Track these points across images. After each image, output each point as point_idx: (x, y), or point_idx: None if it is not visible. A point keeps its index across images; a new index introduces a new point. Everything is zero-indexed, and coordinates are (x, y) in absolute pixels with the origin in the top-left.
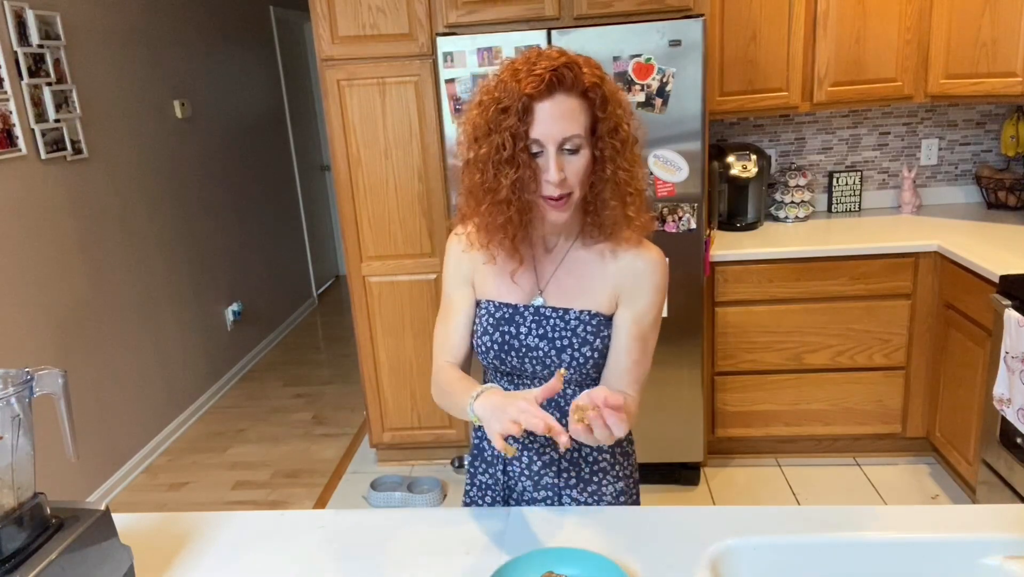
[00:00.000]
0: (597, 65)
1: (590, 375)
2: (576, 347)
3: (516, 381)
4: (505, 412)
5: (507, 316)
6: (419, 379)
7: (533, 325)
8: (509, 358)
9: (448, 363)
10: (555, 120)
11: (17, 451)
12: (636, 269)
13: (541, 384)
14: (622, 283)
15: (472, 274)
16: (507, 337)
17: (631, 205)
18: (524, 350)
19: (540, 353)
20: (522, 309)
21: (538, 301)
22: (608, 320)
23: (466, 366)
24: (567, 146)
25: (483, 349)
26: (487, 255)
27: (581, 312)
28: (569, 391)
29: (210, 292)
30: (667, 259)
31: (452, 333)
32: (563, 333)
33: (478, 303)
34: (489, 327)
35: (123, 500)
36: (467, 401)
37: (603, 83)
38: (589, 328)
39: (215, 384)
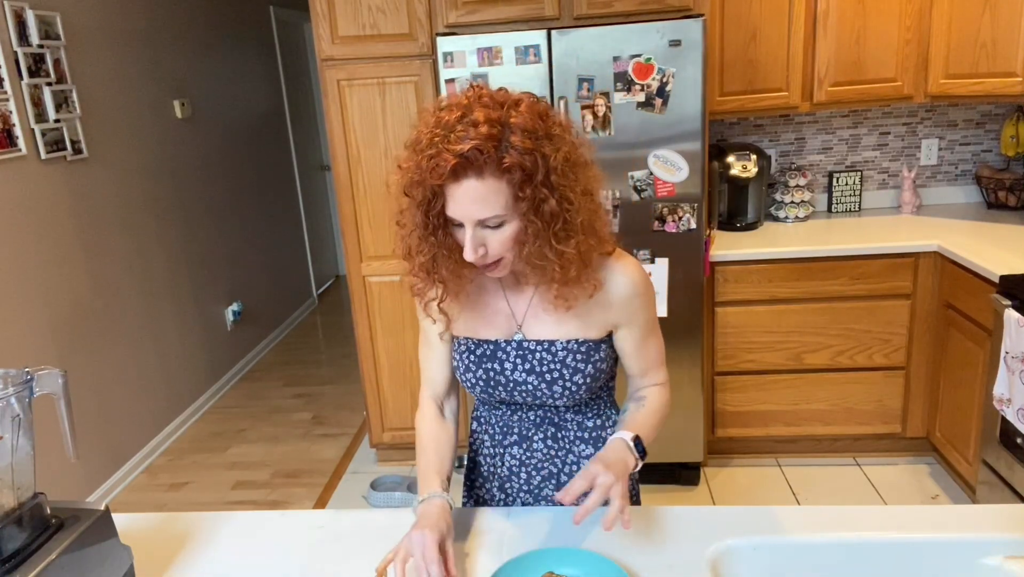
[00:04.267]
0: (532, 127)
1: (584, 399)
2: (568, 377)
3: (511, 406)
4: (417, 531)
5: (488, 353)
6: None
7: (518, 360)
8: (497, 392)
9: (430, 406)
10: (468, 203)
11: (17, 451)
12: (621, 297)
13: (535, 413)
14: (610, 313)
15: (445, 307)
16: (492, 374)
17: (556, 283)
18: (511, 385)
19: (529, 387)
20: (503, 344)
21: (518, 336)
22: (597, 344)
23: (451, 391)
24: (488, 223)
25: (469, 385)
26: (455, 320)
27: (568, 342)
28: (569, 415)
29: (210, 292)
30: (667, 259)
31: (432, 365)
32: (551, 366)
33: (455, 338)
34: (472, 364)
35: (123, 500)
36: (421, 494)
37: (530, 155)
38: (579, 356)
39: (215, 384)
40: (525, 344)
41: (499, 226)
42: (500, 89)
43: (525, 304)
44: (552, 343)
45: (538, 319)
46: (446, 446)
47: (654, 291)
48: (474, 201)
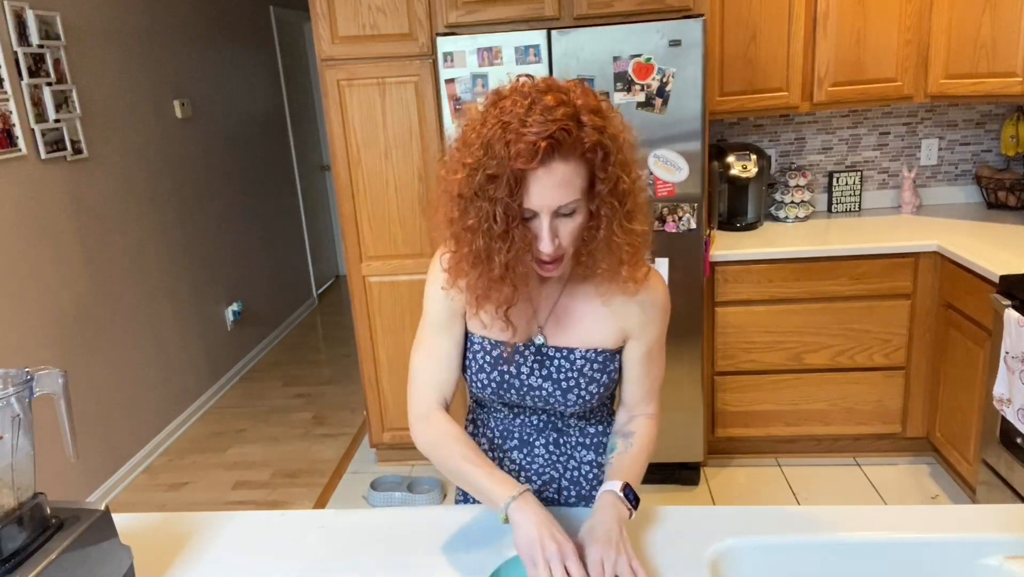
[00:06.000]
0: (596, 106)
1: (595, 407)
2: (583, 386)
3: (514, 410)
4: (543, 546)
5: (505, 355)
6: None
7: (535, 365)
8: (508, 395)
9: (443, 415)
10: (551, 190)
11: (17, 451)
12: (642, 308)
13: (538, 418)
14: (629, 319)
15: (464, 305)
16: (507, 377)
17: (625, 264)
18: (525, 389)
19: (544, 393)
20: (521, 348)
21: (539, 340)
22: (613, 354)
23: (451, 401)
24: (563, 211)
25: (480, 385)
26: (474, 318)
27: (587, 351)
28: (572, 421)
29: (210, 292)
30: (667, 258)
31: (442, 369)
32: (569, 374)
33: (470, 336)
34: (486, 365)
35: (123, 500)
36: (499, 500)
37: (604, 133)
38: (595, 365)
39: (215, 384)
40: (545, 350)
41: (571, 214)
42: (543, 79)
43: (550, 305)
44: (571, 351)
45: (559, 322)
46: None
47: (669, 312)
48: (559, 186)
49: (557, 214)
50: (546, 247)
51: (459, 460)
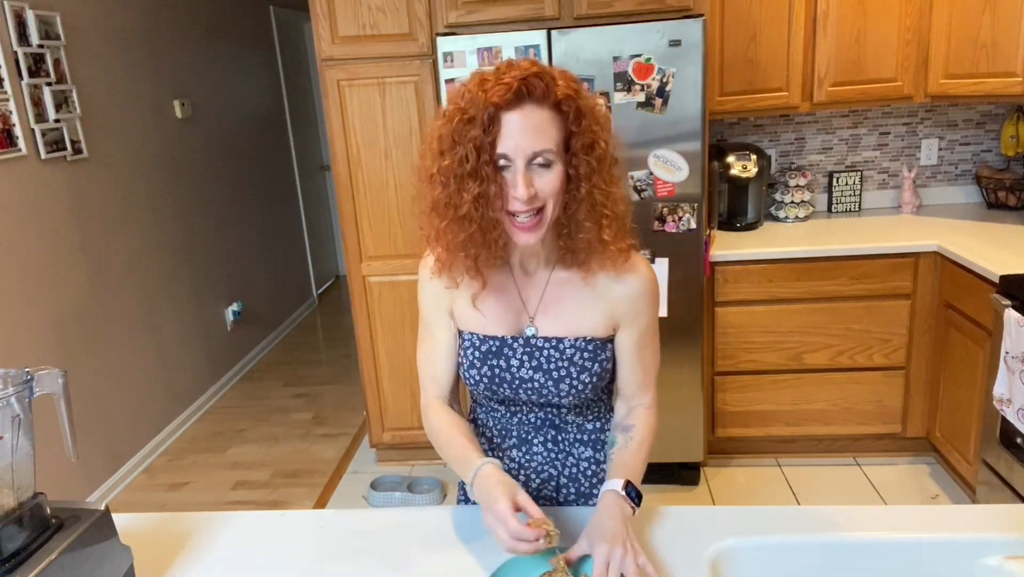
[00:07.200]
0: (574, 79)
1: (588, 398)
2: (575, 375)
3: (511, 408)
4: (486, 523)
5: (494, 349)
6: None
7: (525, 357)
8: (501, 390)
9: (439, 403)
10: (523, 133)
11: (17, 451)
12: (630, 293)
13: (535, 415)
14: (617, 308)
15: (451, 303)
16: (497, 371)
17: (607, 228)
18: (517, 383)
19: (536, 384)
20: (511, 341)
21: (530, 331)
22: (604, 343)
23: (456, 392)
24: (537, 161)
25: (472, 382)
26: (450, 279)
27: (576, 340)
28: (570, 417)
29: (210, 292)
30: (667, 258)
31: (437, 363)
32: (559, 364)
33: (460, 333)
34: (476, 361)
35: (123, 500)
36: (466, 477)
37: (578, 96)
38: (586, 354)
39: (215, 384)
40: (534, 341)
41: (547, 166)
42: None
43: (539, 293)
44: (560, 340)
45: (548, 312)
46: (470, 431)
47: (659, 297)
48: (532, 129)
49: (531, 164)
50: (520, 192)
51: (444, 450)
